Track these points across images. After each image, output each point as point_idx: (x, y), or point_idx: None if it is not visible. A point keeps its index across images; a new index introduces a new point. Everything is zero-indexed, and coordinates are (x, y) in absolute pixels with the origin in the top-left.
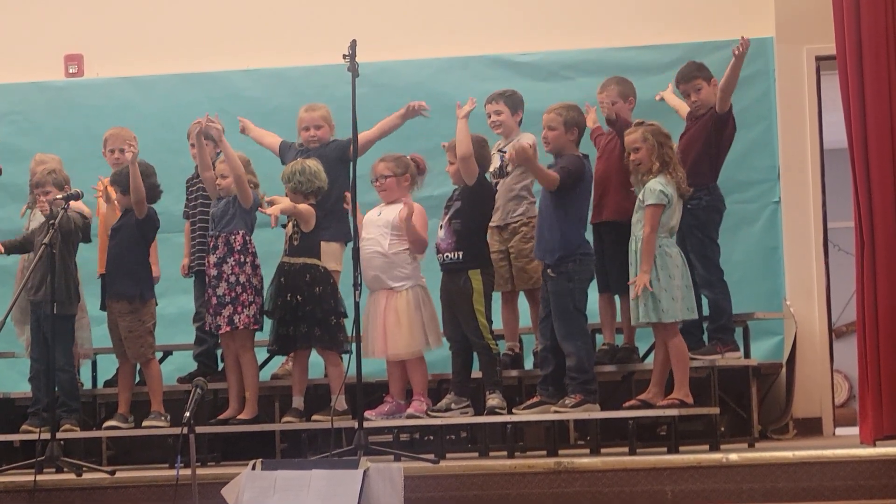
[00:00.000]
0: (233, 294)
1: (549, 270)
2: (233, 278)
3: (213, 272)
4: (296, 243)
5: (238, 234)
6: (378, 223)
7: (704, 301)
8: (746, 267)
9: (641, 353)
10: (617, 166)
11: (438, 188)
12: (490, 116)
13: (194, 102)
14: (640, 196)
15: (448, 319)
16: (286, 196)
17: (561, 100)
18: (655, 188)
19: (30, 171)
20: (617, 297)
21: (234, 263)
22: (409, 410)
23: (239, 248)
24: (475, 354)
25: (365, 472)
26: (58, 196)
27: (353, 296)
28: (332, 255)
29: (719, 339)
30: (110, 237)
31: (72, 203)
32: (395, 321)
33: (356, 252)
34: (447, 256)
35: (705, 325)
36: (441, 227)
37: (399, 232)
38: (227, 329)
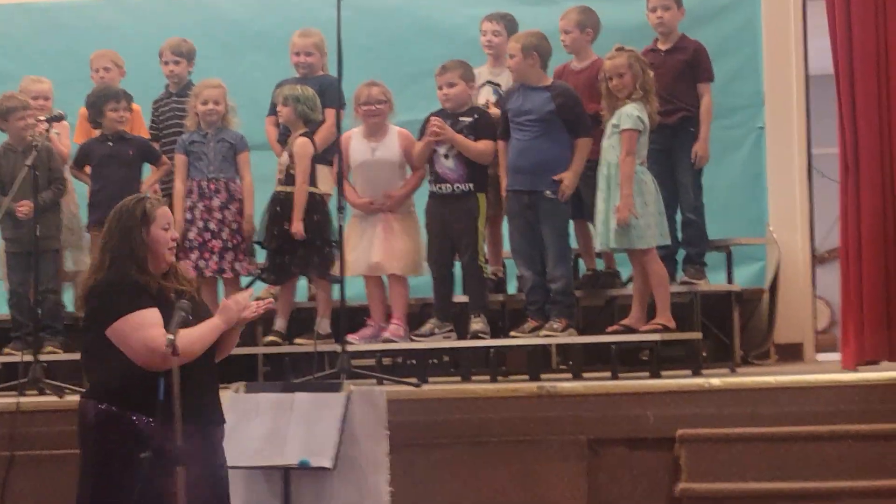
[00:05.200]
0: (235, 241)
1: (546, 192)
2: (234, 225)
3: (218, 216)
4: (292, 172)
5: (236, 182)
6: (377, 162)
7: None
8: (730, 193)
9: (624, 279)
10: (584, 95)
11: (423, 112)
12: (486, 34)
13: (180, 26)
14: (612, 121)
15: (436, 245)
16: (278, 111)
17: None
18: (633, 113)
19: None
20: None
21: (235, 211)
22: (386, 334)
23: (239, 196)
24: (459, 279)
25: (348, 395)
26: (40, 118)
27: (337, 219)
28: (325, 179)
29: (702, 264)
30: (100, 164)
31: (53, 139)
32: (391, 241)
33: (339, 177)
34: (457, 187)
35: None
36: (447, 156)
37: (401, 165)
38: (231, 275)
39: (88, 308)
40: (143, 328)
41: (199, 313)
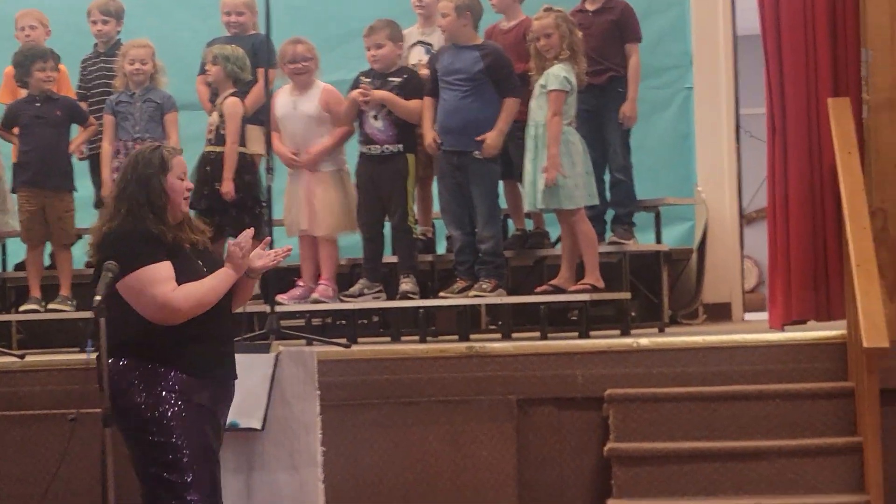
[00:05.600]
0: None
1: (475, 153)
2: None
3: None
4: (222, 132)
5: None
6: (297, 115)
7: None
8: (658, 153)
9: (553, 239)
10: (513, 55)
11: (353, 72)
12: None
13: None
14: (540, 82)
15: (365, 205)
16: (207, 71)
17: None
18: (560, 74)
19: None
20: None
21: None
22: (314, 295)
23: None
24: (388, 240)
25: (277, 356)
26: None
27: (265, 179)
28: (256, 140)
29: (630, 224)
30: (27, 125)
31: None
32: (318, 200)
33: (269, 137)
34: (386, 148)
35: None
36: (376, 117)
37: (321, 120)
38: None
39: (102, 257)
40: (156, 283)
41: (212, 265)
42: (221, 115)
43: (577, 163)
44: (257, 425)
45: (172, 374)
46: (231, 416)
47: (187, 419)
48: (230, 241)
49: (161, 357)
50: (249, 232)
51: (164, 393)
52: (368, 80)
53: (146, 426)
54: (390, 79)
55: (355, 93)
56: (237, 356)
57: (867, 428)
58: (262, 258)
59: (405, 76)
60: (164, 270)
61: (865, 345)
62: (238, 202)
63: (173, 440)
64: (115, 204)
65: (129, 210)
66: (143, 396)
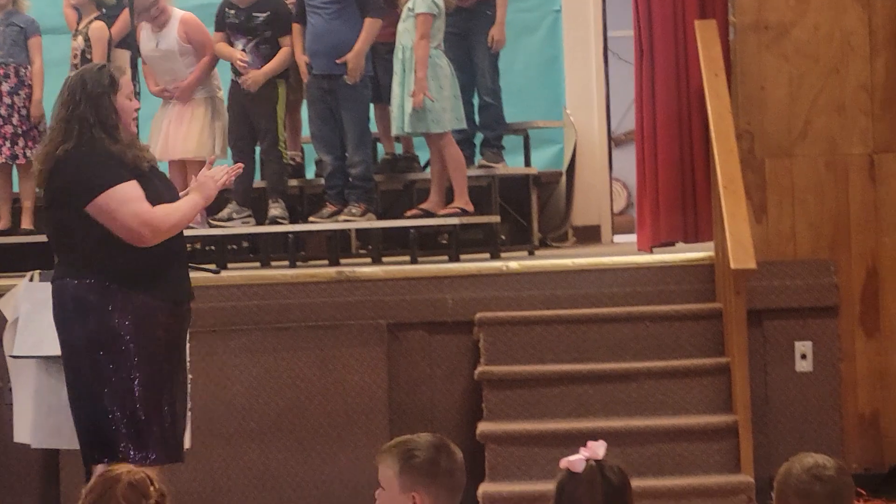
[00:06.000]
0: (25, 127)
1: (345, 77)
2: (24, 111)
3: (7, 101)
4: (89, 56)
5: (26, 67)
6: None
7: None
8: (527, 76)
9: (423, 163)
10: None
11: None
12: None
13: None
14: (408, 5)
15: (235, 130)
16: None
17: None
18: None
19: None
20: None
21: (24, 97)
22: None
23: (28, 82)
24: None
25: None
26: None
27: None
28: (122, 64)
29: (499, 148)
30: None
31: None
32: (188, 123)
33: (135, 60)
34: None
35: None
36: (245, 49)
37: (184, 52)
38: (23, 161)
39: (60, 181)
40: (130, 202)
41: (166, 186)
42: (87, 40)
43: (444, 86)
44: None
45: (141, 296)
46: None
47: (150, 345)
48: (203, 171)
49: (132, 279)
50: (238, 167)
51: (130, 316)
52: (234, 12)
53: (111, 350)
54: (255, 14)
55: (235, 57)
56: None
57: (735, 348)
58: (219, 180)
59: (270, 11)
60: (133, 189)
61: (733, 266)
62: None
63: (134, 365)
64: (63, 126)
65: (81, 132)
66: (113, 319)
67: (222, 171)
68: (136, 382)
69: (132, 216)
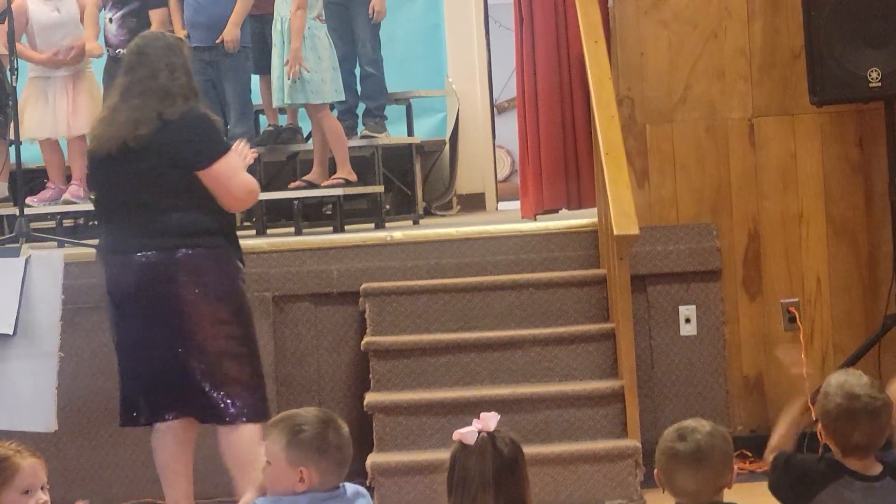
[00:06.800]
0: None
1: (227, 44)
2: None
3: None
4: None
5: None
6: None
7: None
8: (408, 45)
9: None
10: None
11: None
12: None
13: None
14: None
15: None
16: None
17: None
18: None
19: None
20: None
21: None
22: (66, 195)
23: None
24: None
25: (27, 259)
26: None
27: (10, 80)
28: None
29: (382, 117)
30: None
31: None
32: (72, 100)
33: (10, 36)
34: (119, 52)
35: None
36: (111, 20)
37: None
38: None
39: (174, 141)
40: (240, 169)
41: None
42: None
43: (323, 58)
44: (8, 330)
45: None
46: None
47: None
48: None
49: (229, 244)
50: (254, 153)
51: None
52: None
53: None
54: None
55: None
56: None
57: (619, 314)
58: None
59: None
60: (235, 158)
61: (616, 232)
62: None
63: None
64: (165, 89)
65: (190, 95)
66: (232, 282)
67: (247, 150)
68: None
69: (244, 183)
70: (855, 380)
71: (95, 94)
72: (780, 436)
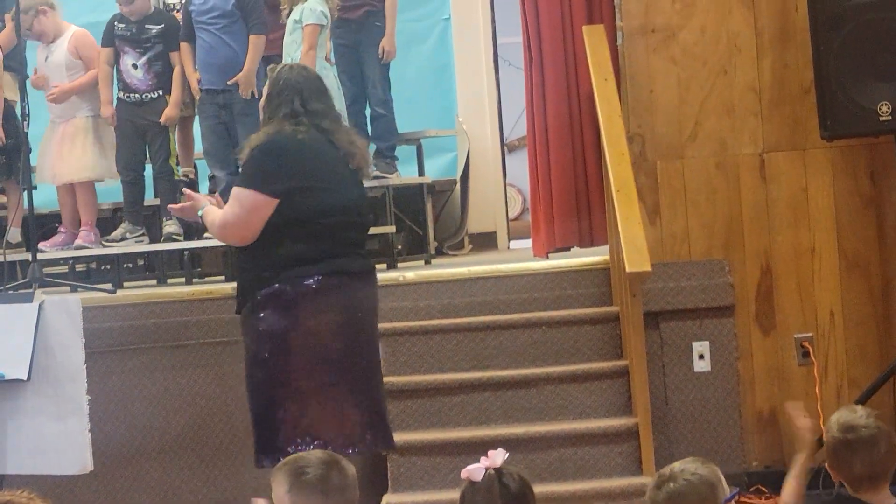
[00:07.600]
0: None
1: (242, 91)
2: None
3: None
4: None
5: None
6: (50, 66)
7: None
8: (418, 85)
9: None
10: None
11: (108, 13)
12: None
13: None
14: (294, 17)
15: (126, 148)
16: None
17: None
18: (316, 8)
19: None
20: None
21: None
22: (77, 241)
23: None
24: (150, 183)
25: (40, 305)
26: None
27: (21, 126)
28: (8, 86)
29: (392, 158)
30: None
31: None
32: (71, 145)
33: (23, 82)
34: (146, 95)
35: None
36: (136, 66)
37: (72, 66)
38: None
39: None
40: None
41: None
42: None
43: (334, 97)
44: (22, 375)
45: None
46: None
47: None
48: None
49: None
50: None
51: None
52: (124, 25)
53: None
54: (148, 26)
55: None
56: (1, 307)
57: (632, 351)
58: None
59: (163, 24)
60: None
61: (628, 269)
62: (8, 147)
63: None
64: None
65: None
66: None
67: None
68: None
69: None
70: (852, 413)
71: (95, 137)
72: (791, 491)
